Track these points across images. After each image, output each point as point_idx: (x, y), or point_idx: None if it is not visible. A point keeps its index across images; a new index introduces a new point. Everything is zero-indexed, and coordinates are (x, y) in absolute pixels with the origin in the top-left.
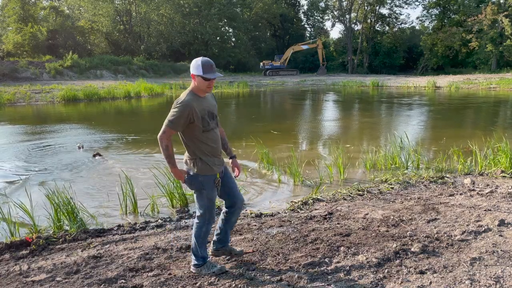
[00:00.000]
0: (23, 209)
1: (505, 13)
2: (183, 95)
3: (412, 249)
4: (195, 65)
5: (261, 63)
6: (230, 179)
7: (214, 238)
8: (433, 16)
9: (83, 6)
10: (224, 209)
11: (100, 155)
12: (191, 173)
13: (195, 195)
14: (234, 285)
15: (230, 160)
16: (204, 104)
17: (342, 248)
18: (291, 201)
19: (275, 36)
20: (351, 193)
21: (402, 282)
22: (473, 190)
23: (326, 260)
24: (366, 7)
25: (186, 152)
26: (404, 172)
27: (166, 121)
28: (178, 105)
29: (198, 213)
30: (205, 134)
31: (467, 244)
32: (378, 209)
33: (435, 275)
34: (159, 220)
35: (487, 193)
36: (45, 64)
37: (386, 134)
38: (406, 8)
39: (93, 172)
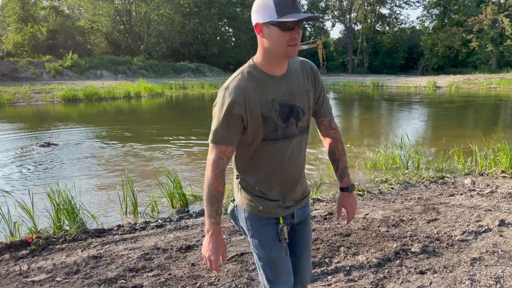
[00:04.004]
0: (24, 209)
1: (505, 13)
2: (234, 73)
3: (413, 249)
4: (261, 5)
5: None
6: (303, 240)
7: None
8: (434, 16)
9: (83, 6)
10: None
11: (50, 144)
12: (235, 202)
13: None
14: (234, 285)
15: (339, 194)
16: (275, 91)
17: (342, 248)
18: None
19: None
20: None
21: (402, 282)
22: (474, 190)
23: (326, 260)
24: (366, 7)
25: (234, 161)
26: (404, 172)
27: (210, 135)
28: (218, 99)
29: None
30: (268, 146)
31: (467, 244)
32: (378, 209)
33: (435, 275)
34: (159, 220)
35: (487, 193)
36: (45, 64)
37: (386, 134)
38: (407, 9)
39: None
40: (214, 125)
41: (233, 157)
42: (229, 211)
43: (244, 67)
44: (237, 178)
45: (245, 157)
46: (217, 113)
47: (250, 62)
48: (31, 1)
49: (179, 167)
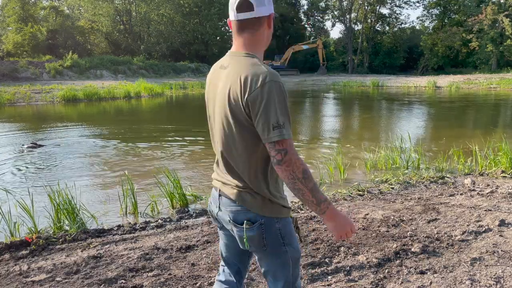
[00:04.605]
0: (24, 209)
1: (506, 13)
2: (254, 65)
3: (413, 249)
4: None
5: None
6: None
7: None
8: (434, 16)
9: (83, 6)
10: (222, 275)
11: (37, 145)
12: (259, 219)
13: (263, 257)
14: None
15: None
16: None
17: (342, 248)
18: (291, 201)
19: (275, 36)
20: (351, 193)
21: (402, 282)
22: (474, 190)
23: (326, 260)
24: (366, 7)
25: (234, 177)
26: (404, 172)
27: (277, 130)
28: (273, 89)
29: None
30: None
31: (467, 244)
32: (378, 209)
33: (435, 275)
34: (159, 220)
35: (487, 193)
36: (45, 64)
37: (386, 134)
38: (407, 9)
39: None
40: (281, 118)
41: (244, 169)
42: (249, 234)
43: (254, 59)
44: (257, 193)
45: (266, 161)
46: (281, 105)
47: (251, 54)
48: (31, 1)
49: (179, 167)
